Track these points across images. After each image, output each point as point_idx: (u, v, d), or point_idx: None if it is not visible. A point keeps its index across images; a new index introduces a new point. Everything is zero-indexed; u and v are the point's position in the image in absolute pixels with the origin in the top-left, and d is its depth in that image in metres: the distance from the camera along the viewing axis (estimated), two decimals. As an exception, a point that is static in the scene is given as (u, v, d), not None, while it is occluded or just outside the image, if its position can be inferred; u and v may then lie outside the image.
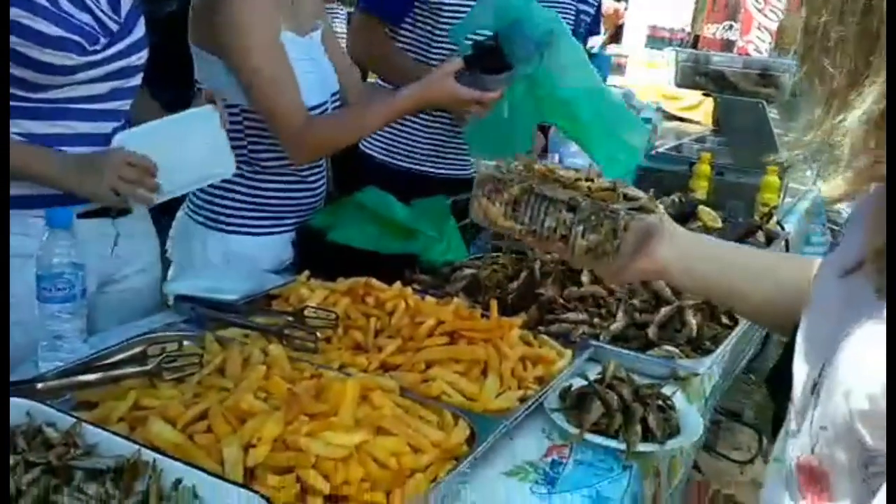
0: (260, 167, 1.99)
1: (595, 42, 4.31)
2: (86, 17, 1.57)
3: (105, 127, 1.64)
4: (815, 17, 0.71)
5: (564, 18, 3.00)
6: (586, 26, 3.52)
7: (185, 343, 1.45)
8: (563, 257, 1.31)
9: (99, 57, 1.58)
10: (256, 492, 0.98)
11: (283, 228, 2.06)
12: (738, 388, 3.00)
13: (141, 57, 1.69)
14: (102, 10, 1.60)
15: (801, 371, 0.85)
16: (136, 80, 1.70)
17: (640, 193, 1.23)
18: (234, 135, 1.91)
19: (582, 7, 2.88)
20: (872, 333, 0.71)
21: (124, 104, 1.69)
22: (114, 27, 1.61)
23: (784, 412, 0.89)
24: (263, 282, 1.83)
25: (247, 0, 1.78)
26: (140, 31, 1.68)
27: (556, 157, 2.95)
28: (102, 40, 1.58)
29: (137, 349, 1.42)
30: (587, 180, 1.23)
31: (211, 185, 1.98)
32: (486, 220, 1.26)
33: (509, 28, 1.88)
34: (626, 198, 1.20)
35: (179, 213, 2.10)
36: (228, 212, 2.01)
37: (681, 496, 2.03)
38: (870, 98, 0.67)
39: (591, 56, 4.19)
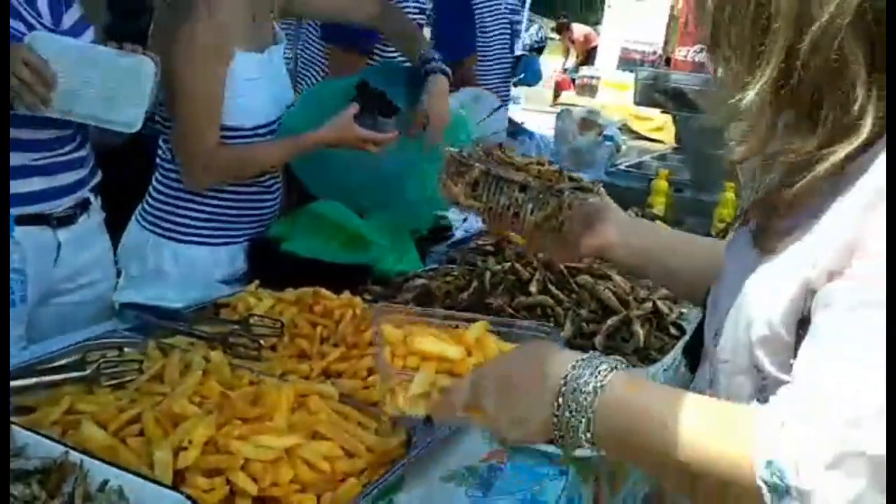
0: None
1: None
2: (21, 27, 1.57)
3: (48, 133, 1.64)
4: (719, 13, 0.85)
5: (499, 22, 3.12)
6: (525, 78, 3.69)
7: (126, 350, 1.45)
8: (515, 232, 1.42)
9: None
10: (182, 492, 0.98)
11: (237, 239, 2.06)
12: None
13: None
14: (43, 25, 1.59)
15: (709, 328, 0.97)
16: None
17: (583, 177, 1.39)
18: None
19: (514, 18, 3.39)
20: (768, 271, 0.85)
21: None
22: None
23: None
24: (213, 291, 1.83)
25: (199, 30, 1.82)
26: (88, 36, 1.67)
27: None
28: None
29: (77, 356, 1.42)
30: (538, 164, 1.35)
31: (166, 195, 1.99)
32: (450, 198, 1.37)
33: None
34: (571, 179, 1.33)
35: (131, 223, 2.10)
36: (183, 221, 2.01)
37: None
38: (762, 79, 0.81)
39: (519, 58, 4.26)
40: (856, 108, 0.79)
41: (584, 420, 0.86)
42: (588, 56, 9.28)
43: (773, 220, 0.88)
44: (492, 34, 3.38)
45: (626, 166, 3.32)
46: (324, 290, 1.70)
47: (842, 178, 0.80)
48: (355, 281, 1.83)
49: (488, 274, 1.84)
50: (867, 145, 0.79)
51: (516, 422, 0.93)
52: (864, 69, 0.78)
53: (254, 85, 1.93)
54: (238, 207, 2.05)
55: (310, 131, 1.95)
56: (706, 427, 0.81)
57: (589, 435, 0.86)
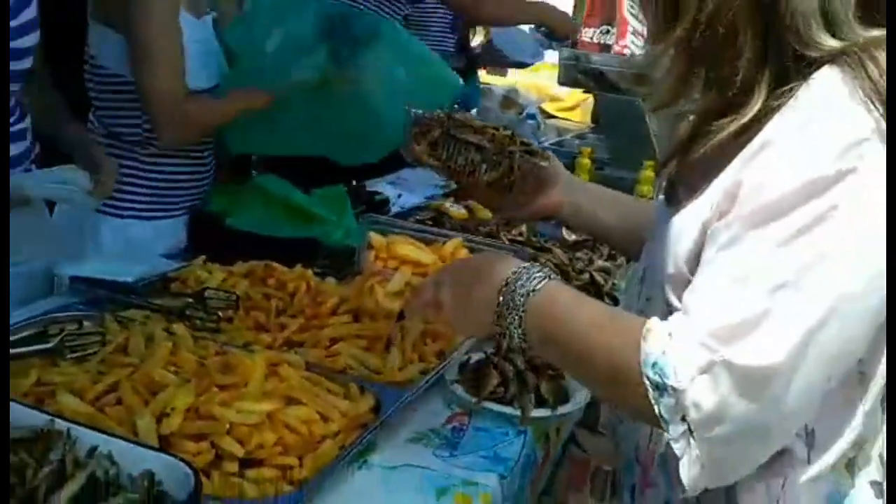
0: (156, 148, 1.98)
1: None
2: None
3: None
4: None
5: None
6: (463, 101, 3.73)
7: (85, 323, 1.45)
8: (471, 189, 1.54)
9: None
10: (175, 455, 1.00)
11: (176, 212, 2.05)
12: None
13: (29, 39, 1.65)
14: None
15: (636, 271, 1.15)
16: (27, 63, 1.66)
17: (534, 142, 1.54)
18: (131, 114, 1.92)
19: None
20: (678, 219, 0.98)
21: (14, 87, 1.65)
22: None
23: None
24: (157, 265, 1.83)
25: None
26: (31, 13, 1.64)
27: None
28: None
29: (35, 329, 1.41)
30: (493, 129, 1.46)
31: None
32: (413, 156, 1.46)
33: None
34: (522, 144, 1.43)
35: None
36: (120, 196, 1.98)
37: (565, 474, 2.15)
38: (672, 36, 0.95)
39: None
40: (738, 82, 0.91)
41: (517, 317, 1.01)
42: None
43: (682, 178, 1.04)
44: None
45: (549, 144, 3.43)
46: (275, 264, 1.73)
47: (739, 143, 0.92)
48: (300, 255, 1.85)
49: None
50: (757, 121, 0.91)
51: (468, 317, 1.10)
52: (750, 49, 0.91)
53: (194, 47, 1.92)
54: (175, 180, 2.04)
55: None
56: (611, 331, 0.96)
57: (520, 330, 1.01)
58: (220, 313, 1.54)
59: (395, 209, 2.44)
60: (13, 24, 1.60)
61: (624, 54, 7.83)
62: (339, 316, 1.54)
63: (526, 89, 4.54)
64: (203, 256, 1.79)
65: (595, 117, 4.01)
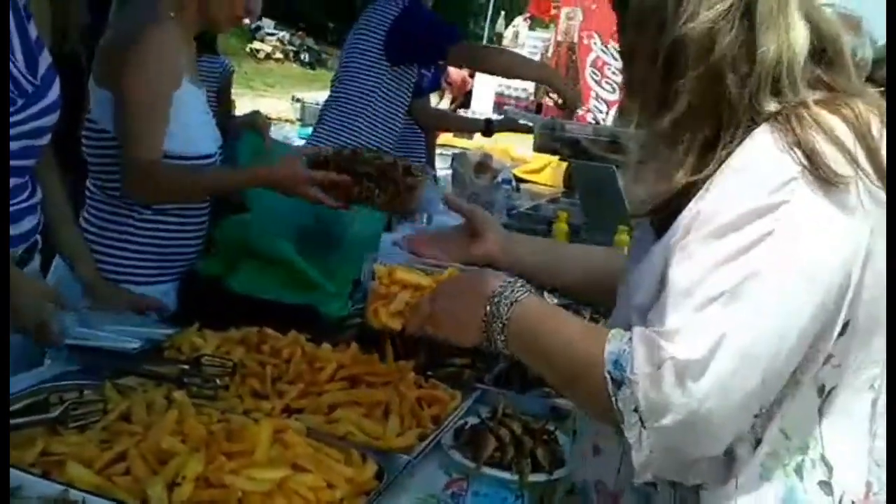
0: (151, 211, 2.02)
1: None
2: None
3: (12, 182, 1.63)
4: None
5: (406, 76, 3.31)
6: (427, 82, 3.84)
7: (86, 392, 1.46)
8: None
9: (12, 121, 1.57)
10: (188, 525, 1.02)
11: (169, 277, 2.07)
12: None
13: (53, 118, 1.69)
14: (20, 70, 1.60)
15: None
16: (46, 140, 1.70)
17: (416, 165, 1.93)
18: None
19: (423, 71, 3.61)
20: (652, 259, 1.10)
21: (32, 162, 1.68)
22: (29, 88, 1.61)
23: None
24: (150, 331, 1.84)
25: (155, 46, 1.87)
26: (55, 93, 1.68)
27: (425, 216, 3.09)
28: (18, 103, 1.58)
29: (36, 398, 1.42)
30: (376, 158, 1.74)
31: (95, 235, 1.99)
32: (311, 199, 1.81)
33: None
34: (404, 168, 1.76)
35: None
36: (113, 261, 2.01)
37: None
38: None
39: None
40: (699, 148, 1.07)
41: (500, 324, 1.15)
42: (465, 98, 9.56)
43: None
44: None
45: (525, 209, 3.50)
46: (268, 330, 1.75)
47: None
48: (294, 321, 1.88)
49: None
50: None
51: (459, 326, 1.23)
52: (713, 125, 1.06)
53: (197, 115, 1.98)
54: (168, 245, 2.07)
55: (260, 167, 2.02)
56: (582, 336, 1.10)
57: (502, 336, 1.16)
58: (217, 380, 1.55)
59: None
60: (44, 103, 1.64)
61: (587, 120, 8.06)
62: (336, 382, 1.56)
63: (497, 154, 4.64)
64: (197, 324, 1.80)
65: (568, 182, 4.11)
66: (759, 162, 1.02)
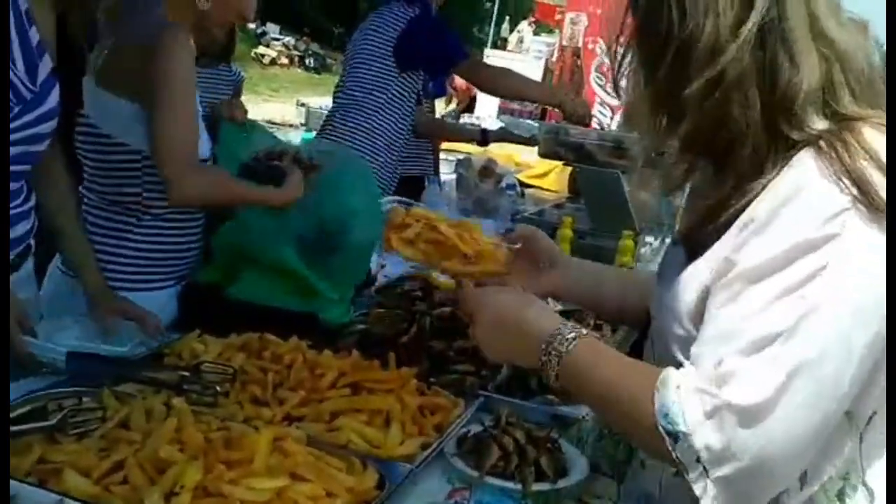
0: (151, 216, 2.00)
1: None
2: None
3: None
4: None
5: (412, 82, 3.31)
6: (433, 88, 3.83)
7: (84, 399, 1.44)
8: None
9: (11, 126, 1.56)
10: (186, 536, 1.00)
11: (167, 283, 2.06)
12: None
13: (51, 125, 1.67)
14: (19, 77, 1.58)
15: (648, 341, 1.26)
16: (44, 146, 1.69)
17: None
18: (132, 181, 1.94)
19: (425, 75, 3.50)
20: (686, 281, 1.08)
21: (27, 168, 1.67)
22: (28, 95, 1.59)
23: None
24: (150, 338, 1.83)
25: (180, 54, 1.87)
26: (53, 100, 1.66)
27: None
28: (15, 109, 1.57)
29: (33, 405, 1.40)
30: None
31: (97, 241, 1.97)
32: None
33: None
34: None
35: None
36: (114, 268, 1.99)
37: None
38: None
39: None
40: (737, 170, 1.05)
41: (556, 360, 1.13)
42: (469, 103, 9.55)
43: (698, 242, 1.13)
44: None
45: (529, 214, 3.49)
46: (270, 336, 1.74)
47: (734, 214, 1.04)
48: (297, 327, 1.86)
49: (427, 319, 1.91)
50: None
51: (503, 353, 1.26)
52: (747, 141, 1.03)
53: (198, 119, 1.97)
54: (166, 251, 2.05)
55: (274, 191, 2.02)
56: (632, 383, 1.06)
57: (554, 374, 1.13)
58: (217, 387, 1.54)
59: (381, 278, 2.46)
60: (42, 109, 1.63)
61: (591, 126, 8.05)
62: (338, 390, 1.54)
63: (502, 159, 4.62)
64: (198, 330, 1.79)
65: (572, 187, 4.09)
66: (806, 192, 0.98)
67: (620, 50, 1.13)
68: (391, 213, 1.52)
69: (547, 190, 4.95)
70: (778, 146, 1.02)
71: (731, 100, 1.02)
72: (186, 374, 1.57)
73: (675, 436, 0.98)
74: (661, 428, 0.99)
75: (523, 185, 4.90)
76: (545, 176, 5.16)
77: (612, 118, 7.96)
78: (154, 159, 1.90)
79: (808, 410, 0.94)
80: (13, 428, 1.29)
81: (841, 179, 0.96)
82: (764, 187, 1.01)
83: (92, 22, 2.02)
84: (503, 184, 3.67)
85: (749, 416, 0.93)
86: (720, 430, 0.94)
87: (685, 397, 0.98)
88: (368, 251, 2.05)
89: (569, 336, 1.13)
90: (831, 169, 0.97)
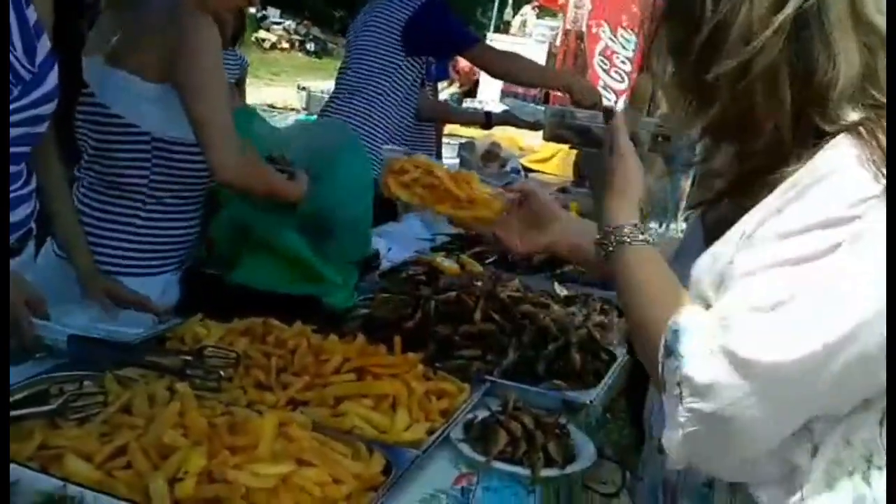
0: (156, 200, 1.98)
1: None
2: None
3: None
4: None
5: (417, 66, 3.27)
6: (436, 71, 3.79)
7: (86, 383, 1.42)
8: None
9: (11, 107, 1.53)
10: (190, 522, 0.98)
11: (170, 267, 2.04)
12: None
13: (51, 106, 1.64)
14: (17, 58, 1.55)
15: None
16: (44, 127, 1.66)
17: None
18: (139, 164, 1.92)
19: (430, 59, 3.51)
20: (710, 255, 1.08)
21: (28, 150, 1.64)
22: (27, 76, 1.56)
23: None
24: (153, 322, 1.81)
25: (209, 39, 1.85)
26: (53, 80, 1.63)
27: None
28: (15, 91, 1.54)
29: (34, 389, 1.38)
30: None
31: (92, 226, 1.95)
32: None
33: None
34: None
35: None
36: (111, 252, 1.97)
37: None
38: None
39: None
40: (765, 153, 1.05)
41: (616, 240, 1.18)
42: (472, 87, 9.50)
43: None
44: None
45: (533, 198, 3.45)
46: (273, 320, 1.72)
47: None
48: (300, 312, 1.84)
49: (432, 303, 1.89)
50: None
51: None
52: (775, 128, 1.03)
53: None
54: (169, 235, 2.03)
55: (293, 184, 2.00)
56: (666, 293, 1.10)
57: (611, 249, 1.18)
58: (220, 372, 1.52)
59: (385, 262, 2.44)
60: (41, 91, 1.60)
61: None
62: (343, 374, 1.53)
63: (505, 142, 4.59)
64: (200, 314, 1.77)
65: (577, 171, 4.06)
66: (840, 173, 0.98)
67: (652, 31, 1.13)
68: (390, 158, 1.52)
69: (551, 174, 4.92)
70: (807, 137, 1.02)
71: (759, 90, 1.02)
72: (189, 358, 1.55)
73: (670, 352, 1.01)
74: (663, 338, 1.02)
75: (527, 169, 4.88)
76: (549, 160, 5.12)
77: (616, 102, 7.92)
78: (200, 145, 1.87)
79: (784, 380, 0.94)
80: (14, 412, 1.27)
81: (879, 169, 0.96)
82: (792, 168, 1.02)
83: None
84: (507, 168, 3.64)
85: (738, 366, 0.94)
86: (709, 368, 0.96)
87: (697, 326, 1.00)
88: (363, 225, 2.02)
89: (640, 226, 1.19)
90: (871, 157, 0.97)
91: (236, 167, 1.86)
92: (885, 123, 0.99)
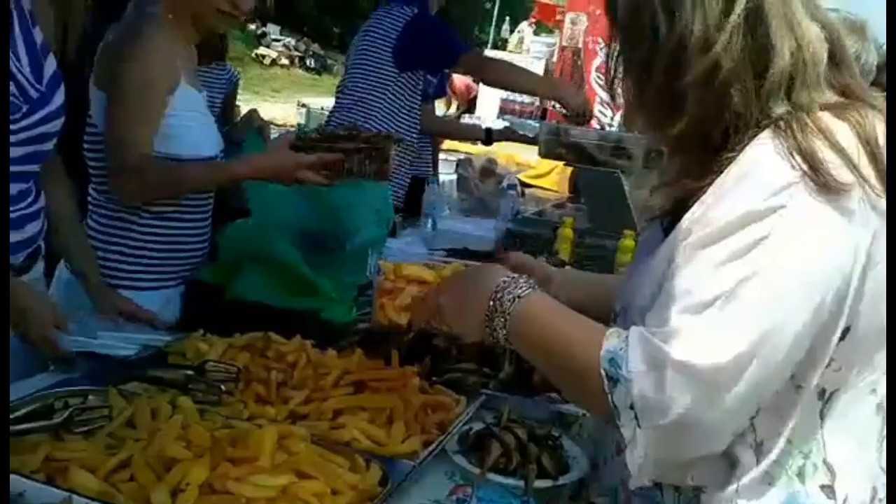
0: (151, 214, 2.02)
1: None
2: (10, 86, 1.57)
3: (12, 188, 1.63)
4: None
5: (413, 82, 3.32)
6: (433, 88, 3.85)
7: (90, 397, 1.45)
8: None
9: (16, 126, 1.57)
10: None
11: (171, 282, 2.08)
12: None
13: (57, 124, 1.69)
14: (25, 76, 1.59)
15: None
16: (51, 145, 1.70)
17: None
18: None
19: (428, 77, 3.57)
20: (657, 260, 1.12)
21: (36, 167, 1.68)
22: (34, 94, 1.61)
23: None
24: (154, 337, 1.84)
25: (145, 45, 1.88)
26: (60, 98, 1.67)
27: (430, 221, 3.10)
28: (23, 108, 1.58)
29: (38, 403, 1.41)
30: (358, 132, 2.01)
31: (98, 241, 1.99)
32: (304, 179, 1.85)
33: None
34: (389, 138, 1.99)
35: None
36: (115, 266, 2.01)
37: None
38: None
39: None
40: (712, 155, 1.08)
41: (503, 319, 1.16)
42: (469, 105, 9.55)
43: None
44: None
45: (530, 215, 3.50)
46: (274, 335, 1.75)
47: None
48: (299, 326, 1.87)
49: (430, 318, 1.92)
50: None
51: (463, 320, 1.24)
52: (724, 129, 1.07)
53: (197, 117, 1.98)
54: (170, 250, 2.07)
55: (245, 156, 2.02)
56: (581, 332, 1.11)
57: (504, 331, 1.16)
58: (222, 386, 1.55)
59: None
60: (48, 109, 1.64)
61: (592, 125, 8.05)
62: (341, 388, 1.56)
63: (502, 159, 4.64)
64: (202, 329, 1.80)
65: (573, 187, 4.11)
66: (759, 167, 1.02)
67: (615, 54, 1.15)
68: (380, 279, 1.52)
69: (548, 190, 4.97)
70: (749, 128, 1.06)
71: (728, 92, 1.05)
72: (191, 373, 1.59)
73: (614, 380, 1.02)
74: (603, 370, 1.03)
75: (524, 185, 4.92)
76: (546, 176, 5.18)
77: (612, 118, 7.97)
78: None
79: (735, 375, 0.97)
80: (19, 426, 1.30)
81: (793, 156, 1.00)
82: (726, 165, 1.06)
83: (96, 25, 2.03)
84: (504, 184, 3.68)
85: (686, 374, 0.97)
86: (658, 382, 0.98)
87: (632, 346, 1.02)
88: (373, 249, 2.06)
89: (521, 284, 1.18)
90: (784, 146, 1.01)
91: (126, 185, 1.95)
92: (801, 116, 1.03)
